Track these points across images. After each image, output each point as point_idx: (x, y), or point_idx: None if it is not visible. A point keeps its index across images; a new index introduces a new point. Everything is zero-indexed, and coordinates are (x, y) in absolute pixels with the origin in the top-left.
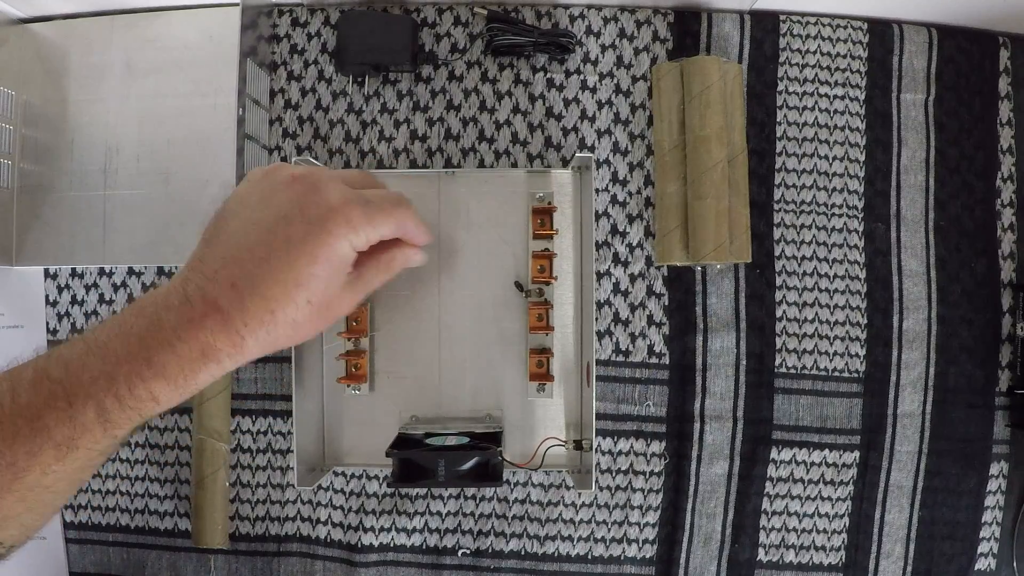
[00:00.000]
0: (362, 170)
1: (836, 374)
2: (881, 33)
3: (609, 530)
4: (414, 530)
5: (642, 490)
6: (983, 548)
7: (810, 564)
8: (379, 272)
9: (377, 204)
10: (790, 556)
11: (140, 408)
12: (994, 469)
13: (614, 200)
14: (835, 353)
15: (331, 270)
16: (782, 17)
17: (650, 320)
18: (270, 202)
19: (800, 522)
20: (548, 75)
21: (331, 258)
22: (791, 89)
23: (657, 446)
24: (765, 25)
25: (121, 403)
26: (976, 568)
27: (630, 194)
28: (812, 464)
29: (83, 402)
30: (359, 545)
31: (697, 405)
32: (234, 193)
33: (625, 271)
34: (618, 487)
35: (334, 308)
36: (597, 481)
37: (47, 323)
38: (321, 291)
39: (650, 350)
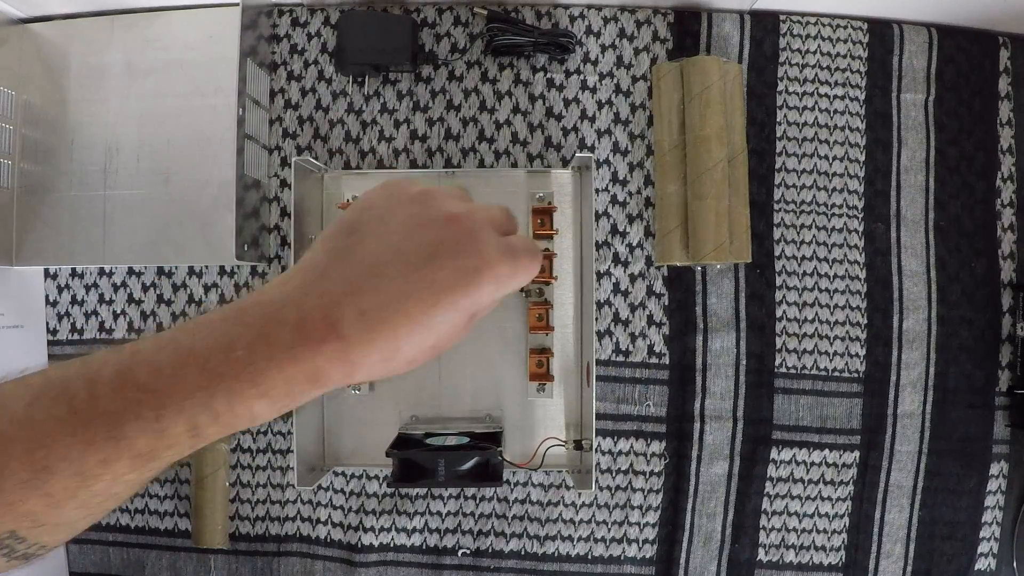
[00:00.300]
0: (503, 207)
1: (836, 374)
2: (881, 33)
3: (609, 530)
4: (414, 530)
5: (642, 490)
6: (983, 548)
7: (810, 564)
8: (485, 312)
9: (522, 260)
10: (790, 556)
11: (235, 424)
12: (994, 469)
13: (614, 200)
14: (835, 353)
15: (464, 318)
16: (782, 17)
17: (650, 320)
18: (419, 234)
19: (800, 522)
20: (548, 75)
21: (469, 309)
22: (791, 89)
23: (657, 446)
24: (765, 25)
25: (217, 420)
26: (976, 568)
27: (630, 194)
28: (812, 464)
29: (174, 416)
30: (359, 545)
31: (697, 405)
32: (370, 204)
33: (625, 271)
34: (618, 487)
35: (445, 348)
36: (597, 481)
37: (47, 323)
38: (446, 335)
39: (650, 350)
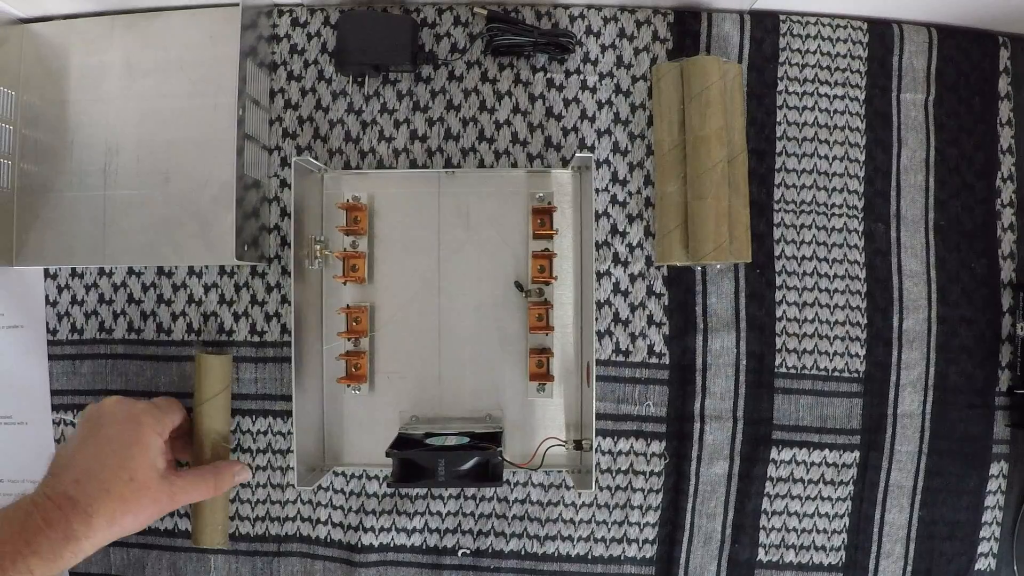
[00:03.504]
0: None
1: (836, 374)
2: (881, 33)
3: (609, 530)
4: (414, 530)
5: (642, 490)
6: (983, 548)
7: (810, 564)
8: (194, 480)
9: (165, 405)
10: (790, 556)
11: (35, 572)
12: (994, 469)
13: (614, 200)
14: (835, 353)
15: (144, 452)
16: (782, 17)
17: (650, 320)
18: (91, 428)
19: (800, 522)
20: (548, 75)
21: (142, 442)
22: (791, 89)
23: (657, 446)
24: (765, 25)
25: (4, 574)
26: (976, 568)
27: (630, 194)
28: (812, 464)
29: (7, 567)
30: (359, 545)
31: (697, 405)
32: (97, 415)
33: (625, 271)
34: (618, 487)
35: (151, 491)
36: (597, 481)
37: (47, 323)
38: (140, 470)
39: (650, 350)
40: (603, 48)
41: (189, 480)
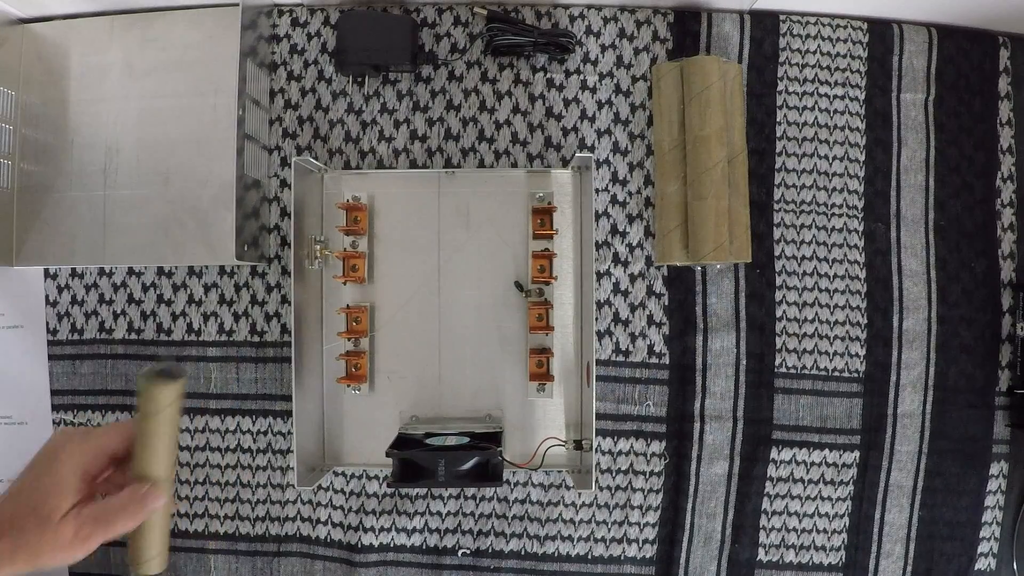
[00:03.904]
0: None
1: (836, 374)
2: (881, 33)
3: (609, 530)
4: (414, 530)
5: (642, 490)
6: (983, 548)
7: (810, 564)
8: (103, 511)
9: (96, 432)
10: (790, 556)
11: None
12: (994, 469)
13: (614, 200)
14: (835, 353)
15: (45, 464)
16: (782, 17)
17: (650, 320)
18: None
19: (800, 522)
20: (548, 75)
21: (53, 473)
22: (791, 89)
23: (657, 446)
24: (765, 25)
25: None
26: (976, 568)
27: (630, 194)
28: (812, 464)
29: None
30: (359, 545)
31: (697, 405)
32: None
33: (625, 271)
34: (618, 487)
35: (48, 506)
36: (597, 481)
37: (47, 323)
38: (46, 502)
39: (650, 350)
40: (603, 48)
41: (96, 510)
